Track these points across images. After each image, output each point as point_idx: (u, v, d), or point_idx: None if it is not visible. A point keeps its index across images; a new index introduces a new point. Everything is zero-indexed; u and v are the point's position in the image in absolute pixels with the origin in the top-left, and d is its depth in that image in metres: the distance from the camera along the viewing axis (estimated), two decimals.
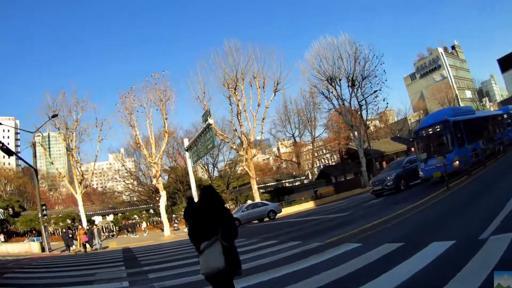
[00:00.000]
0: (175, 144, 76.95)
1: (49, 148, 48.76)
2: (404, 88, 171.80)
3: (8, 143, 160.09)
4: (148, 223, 66.88)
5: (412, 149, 74.29)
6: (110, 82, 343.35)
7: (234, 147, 54.90)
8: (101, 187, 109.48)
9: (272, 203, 47.81)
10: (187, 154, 43.94)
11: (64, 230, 48.61)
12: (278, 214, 44.05)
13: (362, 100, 63.73)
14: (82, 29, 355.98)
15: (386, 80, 62.95)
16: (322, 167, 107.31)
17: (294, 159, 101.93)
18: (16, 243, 48.94)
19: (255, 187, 53.39)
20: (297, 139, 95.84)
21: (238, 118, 52.25)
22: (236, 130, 53.49)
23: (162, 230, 51.77)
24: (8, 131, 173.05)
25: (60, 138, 50.91)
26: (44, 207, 43.97)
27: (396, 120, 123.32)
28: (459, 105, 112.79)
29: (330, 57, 62.97)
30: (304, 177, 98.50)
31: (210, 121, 35.64)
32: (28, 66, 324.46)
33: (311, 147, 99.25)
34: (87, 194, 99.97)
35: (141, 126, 51.68)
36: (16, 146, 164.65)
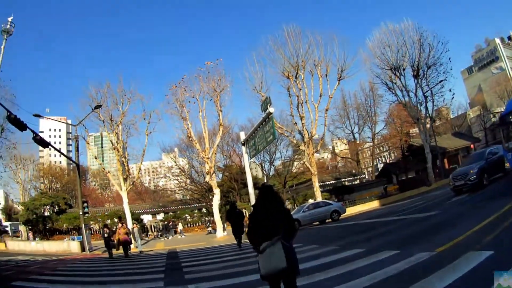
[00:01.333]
0: (230, 141, 73.36)
1: (102, 147, 45.23)
2: (461, 82, 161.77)
3: (60, 142, 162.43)
4: (200, 223, 64.02)
5: (472, 145, 72.14)
6: (158, 74, 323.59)
7: (294, 141, 50.54)
8: (154, 185, 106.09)
9: (336, 202, 43.87)
10: (243, 149, 39.42)
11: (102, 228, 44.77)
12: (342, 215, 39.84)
13: (428, 91, 59.19)
14: (130, 18, 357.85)
15: (451, 69, 58.16)
16: (380, 165, 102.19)
17: (353, 157, 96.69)
18: (54, 242, 47.47)
19: (316, 184, 48.80)
20: (356, 136, 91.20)
21: (298, 109, 47.96)
22: (296, 123, 49.23)
23: (215, 230, 47.93)
24: (60, 130, 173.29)
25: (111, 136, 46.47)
26: (85, 204, 41.81)
27: (450, 115, 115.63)
28: None
29: (394, 45, 58.72)
30: (363, 176, 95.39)
31: (271, 109, 31.03)
32: (77, 65, 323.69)
33: (371, 144, 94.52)
34: (138, 193, 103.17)
35: (194, 119, 47.52)
36: (68, 145, 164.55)
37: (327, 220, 39.14)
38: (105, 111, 46.14)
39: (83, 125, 45.38)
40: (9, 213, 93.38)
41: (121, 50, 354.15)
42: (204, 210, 69.69)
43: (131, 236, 35.34)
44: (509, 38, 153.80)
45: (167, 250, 34.97)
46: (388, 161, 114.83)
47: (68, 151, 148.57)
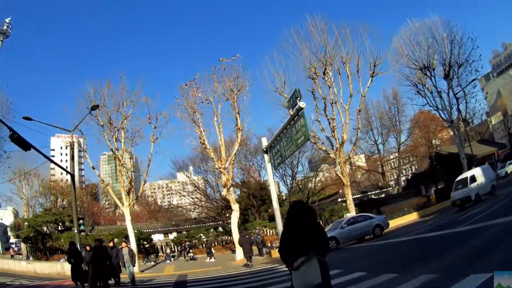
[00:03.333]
0: (247, 154, 67.10)
1: (115, 165, 40.41)
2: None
3: (67, 160, 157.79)
4: (216, 243, 57.42)
5: (496, 152, 66.81)
6: (167, 75, 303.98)
7: (323, 148, 43.62)
8: (167, 203, 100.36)
9: (378, 215, 37.33)
10: (265, 158, 33.42)
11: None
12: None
13: (460, 91, 53.72)
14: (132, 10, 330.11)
15: (482, 67, 53.08)
16: (407, 177, 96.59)
17: (377, 169, 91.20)
18: (47, 262, 43.75)
19: (350, 197, 42.65)
20: (380, 147, 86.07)
21: (325, 112, 41.87)
22: (323, 129, 42.67)
23: (233, 251, 43.22)
24: (67, 147, 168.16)
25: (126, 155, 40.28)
26: (81, 221, 36.97)
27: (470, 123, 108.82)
28: None
29: (423, 42, 52.94)
30: (390, 188, 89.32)
31: (301, 104, 25.09)
32: (78, 64, 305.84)
33: (396, 154, 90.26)
34: (151, 211, 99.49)
35: (207, 126, 40.82)
36: (80, 163, 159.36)
37: (366, 237, 33.00)
38: (105, 114, 40.13)
39: (80, 130, 39.58)
40: (18, 230, 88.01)
41: (127, 49, 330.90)
42: (220, 229, 62.86)
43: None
44: None
45: (175, 276, 29.57)
46: (410, 173, 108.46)
47: (80, 169, 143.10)
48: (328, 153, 43.47)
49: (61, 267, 36.38)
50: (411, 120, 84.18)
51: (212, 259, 42.77)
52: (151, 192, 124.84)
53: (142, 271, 36.38)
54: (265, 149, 32.59)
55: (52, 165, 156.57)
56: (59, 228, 61.22)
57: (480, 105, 68.68)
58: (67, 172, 38.45)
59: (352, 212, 40.72)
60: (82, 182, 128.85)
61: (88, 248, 26.37)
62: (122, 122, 40.06)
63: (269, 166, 32.54)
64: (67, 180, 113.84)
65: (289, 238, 6.81)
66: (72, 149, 38.11)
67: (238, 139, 39.73)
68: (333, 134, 41.92)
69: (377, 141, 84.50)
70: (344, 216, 40.95)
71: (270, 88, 43.39)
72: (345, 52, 42.58)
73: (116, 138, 39.76)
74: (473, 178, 36.08)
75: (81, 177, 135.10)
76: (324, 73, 41.22)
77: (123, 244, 26.54)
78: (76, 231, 34.70)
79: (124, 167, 40.28)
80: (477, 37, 53.25)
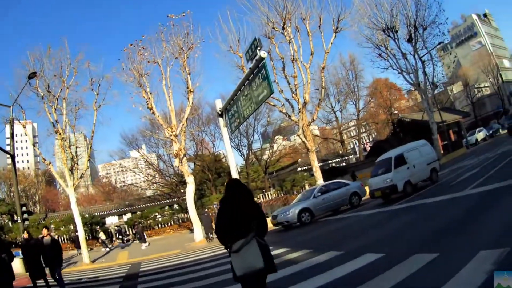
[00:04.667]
0: (200, 124, 60.94)
1: (76, 153, 35.44)
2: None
3: (27, 147, 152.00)
4: (172, 222, 53.64)
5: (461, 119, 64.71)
6: (113, 40, 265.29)
7: (284, 110, 38.87)
8: (121, 183, 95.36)
9: (353, 182, 32.68)
10: (221, 122, 27.98)
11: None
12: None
13: (426, 54, 51.24)
14: None
15: (448, 32, 50.50)
16: (364, 145, 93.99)
17: (336, 137, 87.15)
18: None
19: (315, 163, 37.92)
20: (338, 114, 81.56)
21: (284, 72, 37.26)
22: (282, 91, 38.03)
23: (191, 230, 39.76)
24: (35, 137, 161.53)
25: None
26: (24, 208, 31.84)
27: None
28: (500, 74, 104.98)
29: (386, 3, 49.63)
30: (352, 156, 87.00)
31: (262, 54, 20.38)
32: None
33: (354, 122, 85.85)
34: (106, 193, 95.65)
35: (156, 90, 36.25)
36: (35, 148, 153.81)
37: (341, 209, 28.57)
38: (44, 84, 34.42)
39: (19, 104, 33.86)
40: None
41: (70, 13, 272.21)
42: (176, 206, 58.53)
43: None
44: (484, 15, 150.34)
45: (128, 266, 24.91)
46: (367, 142, 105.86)
47: (36, 155, 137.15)
48: (290, 116, 39.04)
49: None
50: (369, 87, 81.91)
51: (145, 245, 38.75)
52: (106, 173, 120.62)
53: (93, 261, 31.67)
54: (219, 112, 27.56)
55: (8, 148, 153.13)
56: (15, 219, 55.29)
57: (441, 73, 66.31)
58: (5, 152, 33.83)
59: (319, 180, 36.22)
60: (38, 168, 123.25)
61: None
62: (61, 90, 34.52)
63: (225, 131, 27.77)
64: (23, 168, 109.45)
65: (226, 218, 6.44)
66: (11, 126, 32.53)
67: (189, 103, 34.67)
68: (293, 95, 37.66)
69: (334, 108, 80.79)
70: (317, 184, 35.10)
71: (223, 48, 38.78)
72: (304, 8, 38.13)
73: (55, 109, 34.05)
74: (400, 160, 25.32)
75: (36, 164, 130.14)
76: (283, 28, 36.72)
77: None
78: (19, 220, 30.70)
79: (65, 141, 34.65)
80: (443, 0, 50.75)
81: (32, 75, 31.47)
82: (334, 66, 78.64)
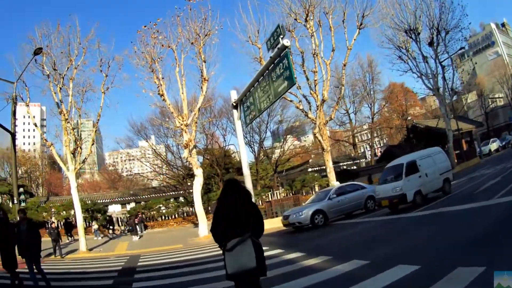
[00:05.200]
0: (212, 116, 59.20)
1: (80, 136, 34.29)
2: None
3: (34, 130, 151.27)
4: (176, 215, 52.78)
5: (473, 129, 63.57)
6: (126, 18, 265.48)
7: (301, 107, 37.22)
8: (128, 171, 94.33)
9: (369, 185, 30.38)
10: (235, 114, 27.02)
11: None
12: None
13: (447, 58, 50.44)
14: None
15: (470, 37, 49.20)
16: (374, 150, 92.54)
17: (349, 140, 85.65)
18: None
19: (330, 163, 36.65)
20: (352, 116, 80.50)
21: (303, 68, 35.76)
22: (300, 87, 36.43)
23: (195, 224, 39.42)
24: (34, 117, 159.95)
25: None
26: (21, 189, 32.63)
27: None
28: None
29: (410, 3, 48.70)
30: (363, 160, 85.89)
31: (285, 42, 19.46)
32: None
33: (367, 125, 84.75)
34: (111, 181, 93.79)
35: (168, 77, 34.34)
36: (43, 132, 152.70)
37: (354, 212, 26.73)
38: (51, 62, 32.82)
39: (23, 81, 32.49)
40: None
41: None
42: (181, 199, 57.46)
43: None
44: (503, 25, 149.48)
45: (126, 258, 23.31)
46: (378, 147, 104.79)
47: (47, 141, 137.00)
48: (306, 113, 37.51)
49: None
50: (384, 91, 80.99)
51: (137, 238, 37.34)
52: (113, 161, 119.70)
53: (90, 250, 30.43)
54: (234, 104, 26.55)
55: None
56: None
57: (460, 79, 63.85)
58: (5, 129, 31.04)
59: (333, 181, 35.01)
60: (44, 152, 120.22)
61: (54, 225, 25.72)
62: (67, 68, 32.98)
63: (238, 124, 26.78)
64: (28, 150, 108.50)
65: (222, 217, 6.43)
66: (14, 103, 31.14)
67: (203, 92, 32.91)
68: (311, 92, 36.19)
69: (349, 110, 79.60)
70: (330, 185, 34.36)
71: (241, 38, 37.47)
72: (327, 2, 36.64)
73: (60, 88, 32.56)
74: (412, 167, 22.95)
75: (43, 146, 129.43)
76: (305, 20, 35.16)
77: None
78: (15, 202, 30.10)
79: (68, 123, 32.99)
80: (467, 4, 52.06)
81: (38, 51, 30.10)
82: (351, 66, 77.51)
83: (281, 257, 14.87)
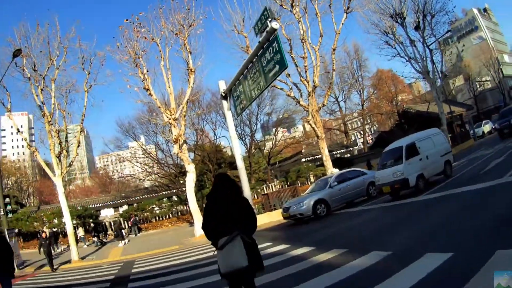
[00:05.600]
0: (200, 110, 58.57)
1: (66, 138, 32.91)
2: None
3: (23, 139, 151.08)
4: (170, 215, 51.63)
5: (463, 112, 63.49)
6: (107, 20, 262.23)
7: (292, 94, 35.94)
8: (118, 173, 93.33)
9: (370, 171, 29.10)
10: (224, 105, 26.09)
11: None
12: None
13: (434, 42, 49.89)
14: None
15: (455, 20, 48.92)
16: (365, 137, 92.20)
17: (339, 128, 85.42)
18: None
19: (326, 151, 35.61)
20: (342, 104, 79.74)
21: (291, 54, 34.71)
22: (289, 75, 35.12)
23: (190, 223, 38.43)
24: (21, 126, 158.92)
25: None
26: (7, 199, 30.63)
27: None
28: (501, 68, 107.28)
29: None
30: (356, 147, 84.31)
31: (274, 24, 18.32)
32: None
33: (357, 112, 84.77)
34: (102, 185, 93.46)
35: (153, 71, 32.98)
36: (31, 141, 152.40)
37: (355, 201, 25.38)
38: (31, 63, 31.50)
39: (4, 86, 30.89)
40: None
41: None
42: (174, 198, 56.19)
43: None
44: (484, 10, 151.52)
45: (120, 264, 22.55)
46: (369, 134, 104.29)
47: (31, 147, 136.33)
48: (298, 101, 36.60)
49: None
50: (372, 77, 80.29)
51: (123, 243, 35.98)
52: (104, 165, 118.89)
53: (82, 258, 29.00)
54: (223, 94, 25.59)
55: (4, 140, 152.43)
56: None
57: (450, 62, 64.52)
58: None
59: (330, 169, 34.19)
60: (34, 160, 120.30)
61: (44, 235, 24.84)
62: (48, 68, 31.55)
63: (229, 115, 25.78)
64: (22, 159, 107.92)
65: (212, 213, 6.25)
66: None
67: (190, 84, 31.65)
68: (302, 79, 35.38)
69: (338, 98, 78.77)
70: (327, 173, 33.32)
71: (226, 28, 36.55)
72: None
73: (41, 89, 31.11)
74: (412, 149, 21.49)
75: (32, 154, 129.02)
76: (291, 6, 34.04)
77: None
78: (2, 213, 29.16)
79: (51, 125, 31.41)
80: None
81: (17, 52, 28.47)
82: (338, 54, 77.08)
83: (289, 253, 13.59)
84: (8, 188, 75.05)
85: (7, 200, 30.05)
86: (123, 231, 38.83)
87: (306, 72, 34.57)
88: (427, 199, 17.74)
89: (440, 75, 52.13)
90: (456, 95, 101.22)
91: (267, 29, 18.53)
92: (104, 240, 42.24)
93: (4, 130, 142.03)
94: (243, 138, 62.28)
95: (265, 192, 39.54)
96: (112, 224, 44.12)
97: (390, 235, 12.46)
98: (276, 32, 18.70)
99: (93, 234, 42.06)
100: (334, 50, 36.10)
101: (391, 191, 21.28)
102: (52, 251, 27.72)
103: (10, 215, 31.10)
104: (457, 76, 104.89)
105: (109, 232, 47.77)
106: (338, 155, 70.24)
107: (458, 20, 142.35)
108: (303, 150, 70.38)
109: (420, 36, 48.41)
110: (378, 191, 22.65)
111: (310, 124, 36.67)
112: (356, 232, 15.13)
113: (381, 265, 8.99)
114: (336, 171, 31.76)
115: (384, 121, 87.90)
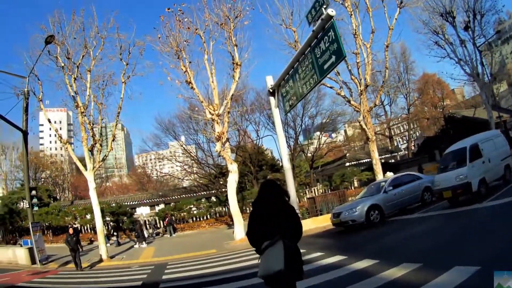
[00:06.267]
0: (243, 109, 56.37)
1: (100, 132, 32.24)
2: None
3: (61, 135, 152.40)
4: (208, 216, 49.70)
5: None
6: (149, 7, 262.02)
7: (342, 93, 34.32)
8: (157, 172, 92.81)
9: (425, 176, 27.11)
10: (272, 102, 23.69)
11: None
12: None
13: (484, 42, 47.54)
14: None
15: (505, 20, 47.69)
16: (408, 143, 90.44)
17: (384, 133, 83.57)
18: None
19: (376, 154, 34.31)
20: (387, 108, 78.59)
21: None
22: (339, 73, 33.79)
23: (229, 225, 37.51)
24: (60, 122, 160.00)
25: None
26: (34, 192, 29.51)
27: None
28: None
29: None
30: (401, 152, 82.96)
31: (330, 11, 16.48)
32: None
33: (406, 114, 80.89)
34: (141, 183, 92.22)
35: (195, 65, 31.37)
36: (69, 137, 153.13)
37: (408, 207, 23.32)
38: (65, 52, 29.95)
39: (36, 75, 29.89)
40: None
41: None
42: (213, 198, 54.30)
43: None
44: None
45: (151, 267, 20.89)
46: (412, 140, 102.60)
47: (70, 143, 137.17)
48: (349, 100, 34.72)
49: (13, 254, 28.64)
50: (417, 81, 78.15)
51: (144, 245, 34.50)
52: (143, 164, 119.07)
53: (111, 257, 27.83)
54: (271, 90, 23.39)
55: (41, 135, 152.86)
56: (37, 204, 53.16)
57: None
58: (17, 127, 29.27)
59: (379, 173, 32.76)
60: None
61: (71, 230, 23.90)
62: (83, 56, 30.16)
63: (276, 112, 23.49)
64: (56, 155, 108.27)
65: (256, 220, 6.04)
66: (26, 99, 28.95)
67: (235, 78, 29.89)
68: (352, 77, 33.64)
69: (384, 102, 76.69)
70: (377, 178, 31.99)
71: (273, 22, 35.19)
72: None
73: (75, 79, 29.60)
74: (475, 151, 19.78)
75: (64, 147, 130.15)
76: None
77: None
78: (27, 206, 28.70)
79: (84, 116, 29.83)
80: None
81: (50, 39, 27.32)
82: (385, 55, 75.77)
83: (347, 266, 11.74)
84: (42, 182, 75.60)
85: (33, 192, 29.25)
86: (144, 232, 37.48)
87: (358, 69, 33.05)
88: (492, 205, 16.33)
89: (490, 78, 50.17)
90: (499, 100, 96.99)
91: (323, 16, 16.83)
92: (119, 240, 40.11)
93: (42, 125, 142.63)
94: (287, 140, 60.54)
95: (312, 195, 38.24)
96: (134, 224, 42.71)
97: (468, 247, 10.80)
98: (332, 20, 16.91)
99: (112, 232, 40.84)
100: (387, 46, 34.56)
101: (452, 196, 19.53)
102: (80, 249, 26.56)
103: (35, 208, 30.08)
104: (502, 81, 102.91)
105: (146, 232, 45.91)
106: (383, 161, 68.18)
107: (503, 23, 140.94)
108: (347, 154, 69.03)
109: (470, 37, 45.80)
110: (438, 196, 20.94)
111: (361, 125, 35.18)
112: (423, 243, 13.23)
113: (474, 283, 7.52)
114: (390, 174, 29.88)
115: (428, 127, 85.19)
